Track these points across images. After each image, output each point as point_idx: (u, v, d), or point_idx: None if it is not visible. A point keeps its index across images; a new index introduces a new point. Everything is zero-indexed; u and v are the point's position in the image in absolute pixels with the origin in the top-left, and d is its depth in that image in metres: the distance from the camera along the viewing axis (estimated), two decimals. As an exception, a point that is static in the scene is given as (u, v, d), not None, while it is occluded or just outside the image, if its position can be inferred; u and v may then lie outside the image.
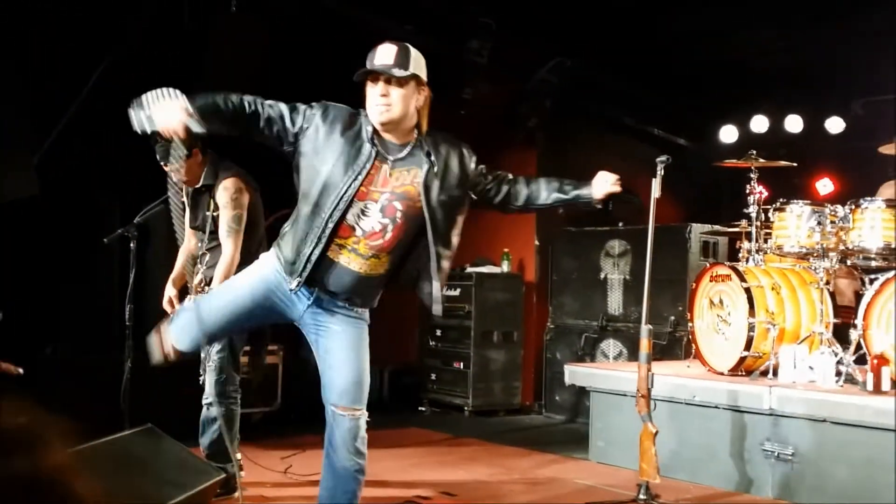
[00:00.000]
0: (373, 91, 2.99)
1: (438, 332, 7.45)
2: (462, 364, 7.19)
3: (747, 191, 5.41)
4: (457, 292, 7.34)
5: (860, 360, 4.63)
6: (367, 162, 2.99)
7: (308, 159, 3.01)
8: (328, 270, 3.04)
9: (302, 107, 3.04)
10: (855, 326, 4.66)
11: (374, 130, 3.02)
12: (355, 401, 3.09)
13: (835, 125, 7.54)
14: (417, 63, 3.04)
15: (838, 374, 4.60)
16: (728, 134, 8.14)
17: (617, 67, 7.53)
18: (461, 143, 3.18)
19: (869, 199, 4.81)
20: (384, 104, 2.98)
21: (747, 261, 5.34)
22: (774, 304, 4.99)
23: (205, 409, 4.33)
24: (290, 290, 3.07)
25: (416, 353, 7.68)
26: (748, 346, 4.91)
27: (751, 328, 4.91)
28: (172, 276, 4.47)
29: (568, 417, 6.93)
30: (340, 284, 3.05)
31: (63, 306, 6.12)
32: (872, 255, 4.79)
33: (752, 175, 5.44)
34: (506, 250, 7.54)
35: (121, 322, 4.68)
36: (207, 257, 4.29)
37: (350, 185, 2.97)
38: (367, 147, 3.00)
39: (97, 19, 5.63)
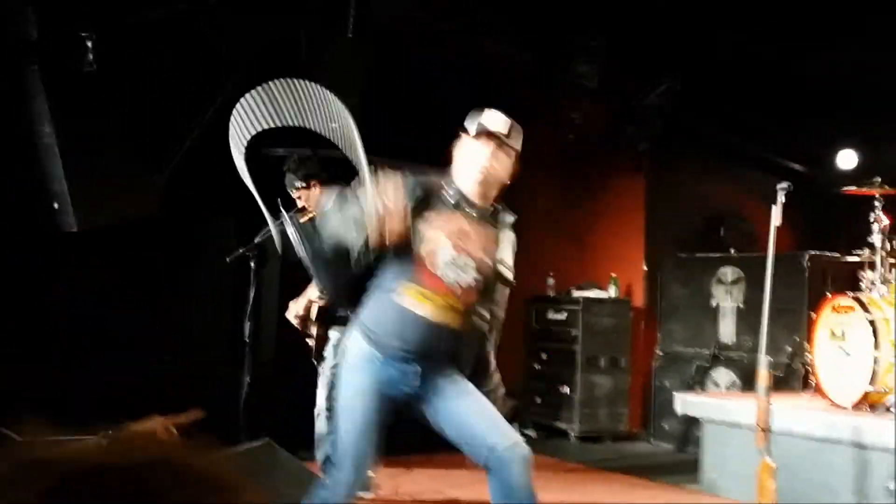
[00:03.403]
0: (482, 149, 3.01)
1: (544, 356, 7.41)
2: (568, 388, 7.12)
3: (871, 219, 5.21)
4: (563, 316, 7.29)
5: None
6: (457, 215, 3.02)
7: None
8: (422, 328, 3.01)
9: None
10: None
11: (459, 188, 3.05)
12: (512, 429, 3.06)
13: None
14: (519, 136, 3.11)
15: (971, 412, 4.37)
16: (846, 159, 7.86)
17: (728, 90, 7.39)
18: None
19: None
20: (492, 166, 3.01)
21: (871, 291, 5.14)
22: (901, 337, 4.78)
23: (317, 423, 4.43)
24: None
25: (521, 376, 7.64)
26: (872, 381, 4.72)
27: (875, 362, 4.71)
28: (299, 300, 4.61)
29: (676, 447, 6.78)
30: (431, 340, 2.99)
31: (180, 321, 6.33)
32: None
33: (876, 202, 5.24)
34: (613, 275, 7.46)
35: (236, 338, 4.82)
36: None
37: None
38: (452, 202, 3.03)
39: (218, 50, 5.86)
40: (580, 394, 7.03)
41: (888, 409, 4.72)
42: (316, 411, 4.43)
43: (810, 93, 7.28)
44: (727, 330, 6.75)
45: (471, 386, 3.05)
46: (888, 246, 5.12)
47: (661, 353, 7.19)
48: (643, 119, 7.36)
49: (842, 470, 4.56)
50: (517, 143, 3.08)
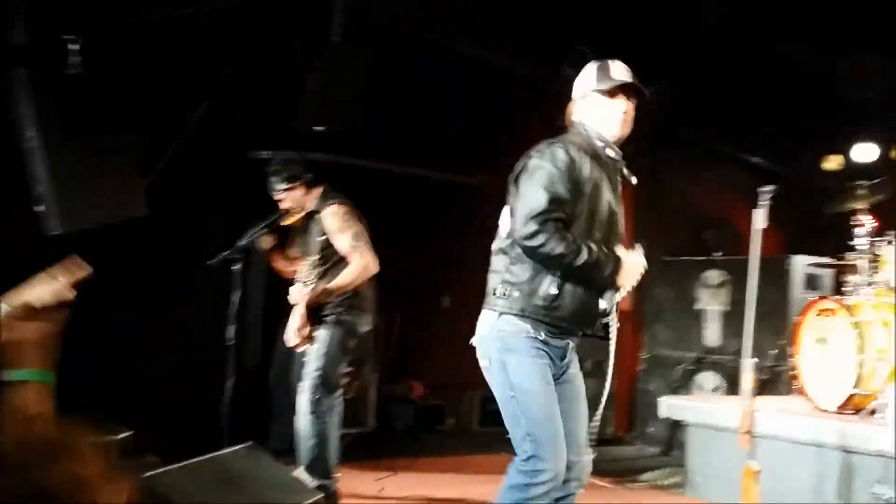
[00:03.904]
0: (620, 103, 3.09)
1: (530, 360, 7.41)
2: (553, 392, 7.11)
3: (856, 222, 5.23)
4: (549, 319, 7.30)
5: (979, 402, 4.41)
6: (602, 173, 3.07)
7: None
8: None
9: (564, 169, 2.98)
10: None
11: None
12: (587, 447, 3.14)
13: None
14: None
15: (956, 415, 4.39)
16: (864, 153, 7.82)
17: (716, 94, 7.41)
18: None
19: None
20: (630, 119, 3.12)
21: (855, 295, 5.16)
22: (885, 341, 4.80)
23: (298, 426, 4.40)
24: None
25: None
26: (857, 384, 4.73)
27: (860, 365, 4.73)
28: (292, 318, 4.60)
29: (662, 450, 6.78)
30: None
31: (165, 324, 6.29)
32: None
33: (859, 206, 5.26)
34: (599, 278, 7.46)
35: (222, 341, 4.79)
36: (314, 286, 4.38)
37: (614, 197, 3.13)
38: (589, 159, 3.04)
39: (209, 52, 5.85)
40: (566, 397, 7.02)
41: (872, 413, 4.74)
42: (297, 415, 4.39)
43: (799, 97, 7.31)
44: (712, 333, 6.76)
45: (582, 385, 3.16)
46: (873, 249, 5.13)
47: (645, 356, 7.20)
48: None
49: (826, 474, 4.57)
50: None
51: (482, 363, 3.05)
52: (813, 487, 4.63)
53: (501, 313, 2.96)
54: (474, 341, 3.08)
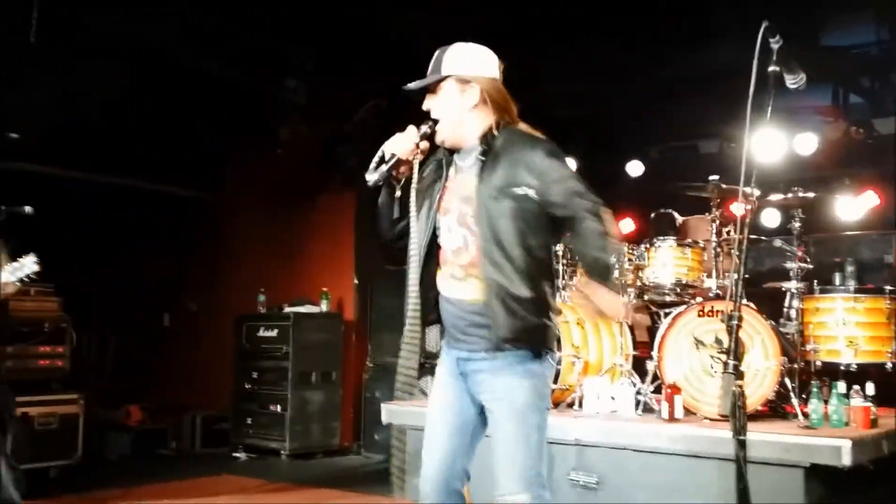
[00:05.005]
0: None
1: (255, 375, 7.28)
2: (279, 406, 7.04)
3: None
4: (274, 333, 7.21)
5: (657, 390, 4.90)
6: (438, 176, 2.77)
7: None
8: (446, 309, 2.82)
9: None
10: (651, 358, 4.93)
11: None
12: (507, 485, 2.73)
13: (634, 169, 8.00)
14: (454, 60, 2.71)
15: (637, 403, 4.85)
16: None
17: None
18: (541, 144, 2.67)
19: (661, 238, 5.15)
20: (439, 111, 2.73)
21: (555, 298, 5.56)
22: (580, 339, 5.21)
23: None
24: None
25: (231, 397, 7.45)
26: (556, 380, 5.09)
27: (558, 362, 5.09)
28: None
29: (387, 457, 6.91)
30: (453, 320, 2.80)
31: None
32: (666, 291, 5.10)
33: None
34: (324, 289, 7.50)
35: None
36: None
37: (433, 203, 2.76)
38: (435, 163, 2.78)
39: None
40: (292, 411, 6.98)
41: (571, 405, 5.12)
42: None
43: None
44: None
45: (504, 406, 2.71)
46: (567, 254, 5.57)
47: (371, 365, 7.32)
48: (353, 136, 7.47)
49: (531, 465, 4.85)
50: (440, 71, 2.70)
51: None
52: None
53: None
54: None
